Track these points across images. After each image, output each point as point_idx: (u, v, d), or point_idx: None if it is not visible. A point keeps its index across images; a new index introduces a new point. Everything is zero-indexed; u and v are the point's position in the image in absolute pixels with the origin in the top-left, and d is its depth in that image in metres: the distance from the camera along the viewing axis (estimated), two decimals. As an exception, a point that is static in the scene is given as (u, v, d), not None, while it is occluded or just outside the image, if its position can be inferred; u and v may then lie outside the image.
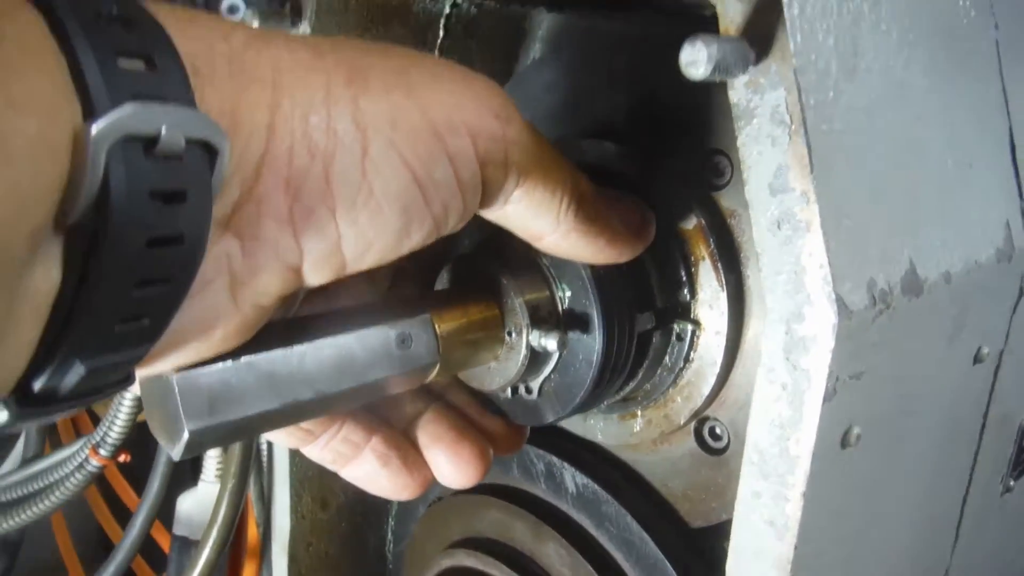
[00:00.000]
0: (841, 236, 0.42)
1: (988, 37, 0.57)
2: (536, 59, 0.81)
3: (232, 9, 0.68)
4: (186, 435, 0.46)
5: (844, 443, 0.46)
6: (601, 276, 0.60)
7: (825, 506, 0.46)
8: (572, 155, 0.70)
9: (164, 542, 1.39)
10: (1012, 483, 0.73)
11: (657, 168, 0.64)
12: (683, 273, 0.64)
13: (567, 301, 0.61)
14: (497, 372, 0.63)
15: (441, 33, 0.80)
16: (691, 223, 0.63)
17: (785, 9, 0.41)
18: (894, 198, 0.47)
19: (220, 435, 0.49)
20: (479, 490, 0.85)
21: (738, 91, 0.43)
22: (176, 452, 0.48)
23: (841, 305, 0.41)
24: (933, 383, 0.53)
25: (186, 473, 1.46)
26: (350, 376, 0.53)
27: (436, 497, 0.90)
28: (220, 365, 0.47)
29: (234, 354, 0.48)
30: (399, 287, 0.64)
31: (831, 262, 0.41)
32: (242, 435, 0.52)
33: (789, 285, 0.42)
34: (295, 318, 0.54)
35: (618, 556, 0.71)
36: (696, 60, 0.39)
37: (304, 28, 0.71)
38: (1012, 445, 0.71)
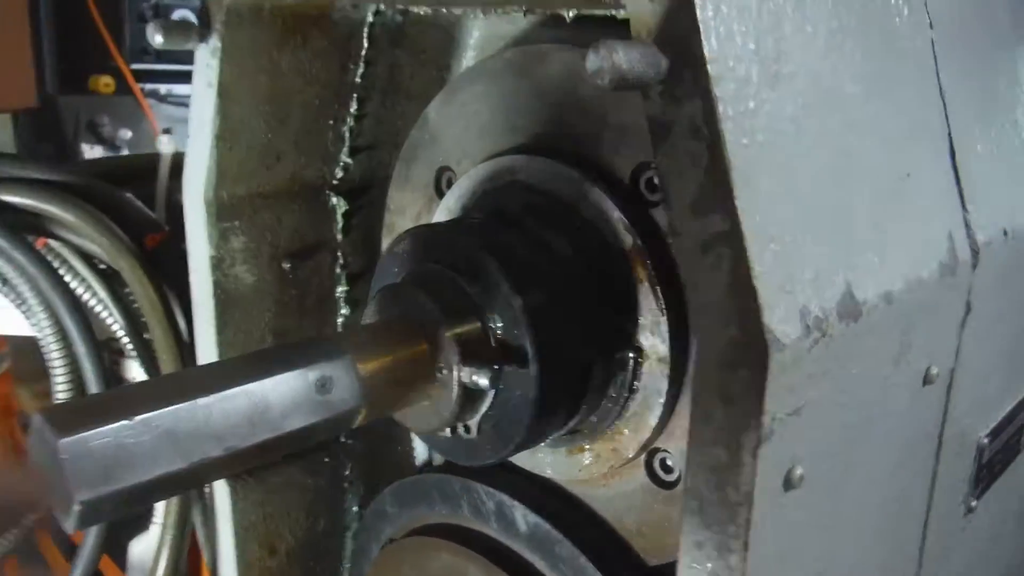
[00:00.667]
0: (769, 261, 0.39)
1: (923, 36, 0.55)
2: (467, 69, 0.78)
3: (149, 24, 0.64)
4: (77, 507, 0.42)
5: (787, 485, 0.42)
6: (534, 305, 0.56)
7: (772, 552, 0.42)
8: (504, 174, 0.67)
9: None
10: (974, 503, 0.70)
11: (589, 185, 0.61)
12: (622, 297, 0.60)
13: (499, 332, 0.57)
14: (431, 412, 0.59)
15: (365, 43, 0.76)
16: (627, 243, 0.60)
17: (698, 11, 0.38)
18: (826, 215, 0.44)
19: (119, 502, 0.44)
20: (430, 531, 0.80)
21: (653, 103, 0.40)
22: (69, 525, 0.43)
23: (773, 338, 0.38)
24: (881, 409, 0.50)
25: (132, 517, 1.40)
26: (264, 428, 0.48)
27: (389, 538, 0.86)
28: (114, 425, 0.43)
29: (129, 412, 0.43)
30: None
31: (759, 290, 0.38)
32: (146, 500, 0.48)
33: (718, 316, 0.39)
34: (199, 367, 0.49)
35: (570, 598, 0.67)
36: (601, 68, 0.36)
37: (214, 43, 0.67)
38: (971, 464, 0.68)
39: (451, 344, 0.55)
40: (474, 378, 0.55)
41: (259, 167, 0.72)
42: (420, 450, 0.93)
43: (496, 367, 0.56)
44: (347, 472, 0.90)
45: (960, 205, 0.56)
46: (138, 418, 0.42)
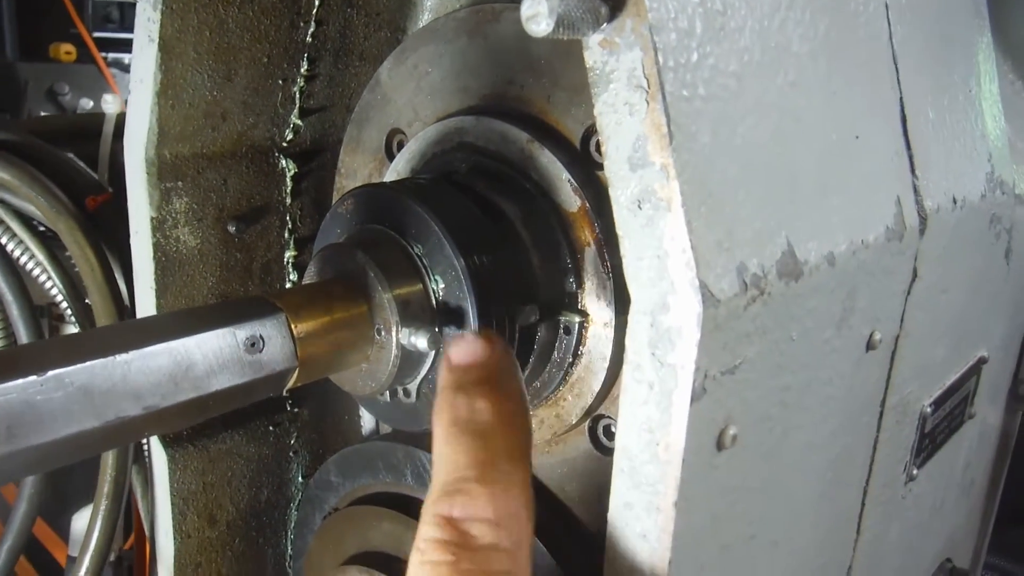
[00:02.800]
0: (706, 216, 0.38)
1: (877, 1, 0.54)
2: (420, 29, 0.76)
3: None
4: (-25, 465, 0.40)
5: (719, 445, 0.41)
6: (478, 266, 0.55)
7: (702, 513, 0.42)
8: (454, 136, 0.66)
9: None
10: (916, 471, 0.71)
11: (538, 147, 0.60)
12: (568, 261, 0.59)
13: (440, 294, 0.56)
14: (368, 375, 0.57)
15: (317, 1, 0.74)
16: (574, 206, 0.59)
17: (637, -40, 0.36)
18: (768, 173, 0.43)
19: (24, 463, 0.42)
20: (373, 500, 0.79)
21: (593, 52, 0.38)
22: (-30, 483, 0.41)
23: (707, 293, 0.37)
24: (821, 373, 0.50)
25: (80, 490, 1.37)
26: (188, 387, 0.47)
27: (332, 508, 0.84)
28: (21, 381, 0.41)
29: (39, 368, 0.41)
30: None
31: (694, 245, 0.37)
32: (55, 461, 0.46)
33: (652, 272, 0.38)
34: (121, 323, 0.47)
35: (514, 565, 0.67)
36: (537, 13, 0.35)
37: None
38: (914, 432, 0.68)
39: (390, 305, 0.54)
40: (412, 339, 0.54)
41: (204, 126, 0.69)
42: (367, 419, 0.92)
43: (436, 329, 0.55)
44: (292, 441, 0.89)
45: (910, 170, 0.56)
46: (49, 373, 0.40)
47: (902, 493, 0.71)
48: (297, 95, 0.75)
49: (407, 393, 0.60)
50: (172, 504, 0.81)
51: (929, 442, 0.73)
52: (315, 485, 0.86)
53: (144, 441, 0.84)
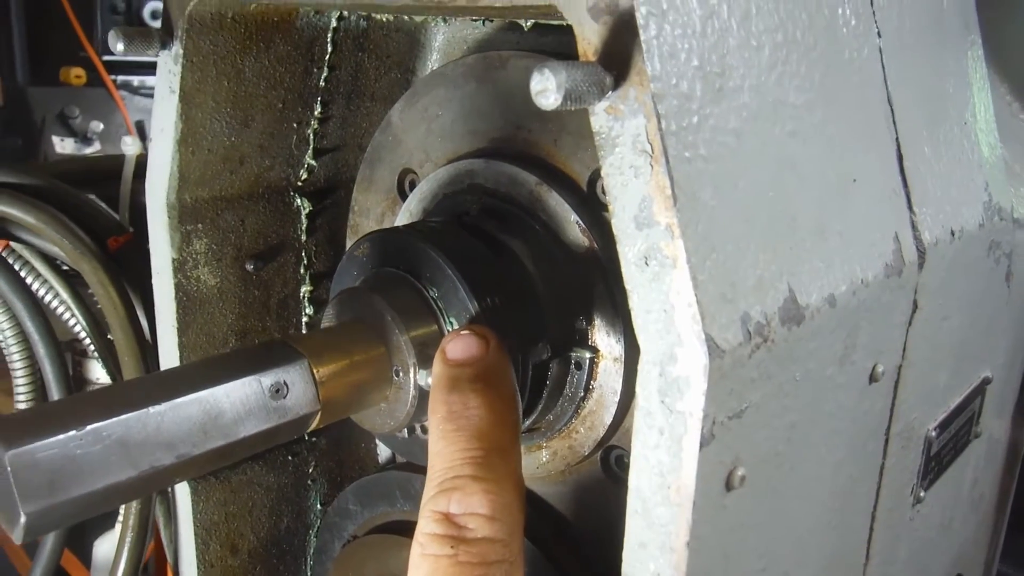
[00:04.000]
0: (710, 271, 0.40)
1: (871, 45, 0.56)
2: (429, 73, 0.78)
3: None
4: (23, 519, 0.42)
5: (728, 485, 0.43)
6: (489, 308, 0.57)
7: (714, 552, 0.44)
8: (464, 178, 0.68)
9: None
10: (923, 493, 0.72)
11: (546, 189, 0.62)
12: (577, 299, 0.61)
13: (455, 336, 0.58)
14: (387, 413, 0.59)
15: (329, 48, 0.76)
16: (582, 246, 0.61)
17: (641, 32, 0.38)
18: (769, 223, 0.45)
19: (67, 513, 0.44)
20: (392, 528, 0.81)
21: (599, 118, 0.40)
22: (16, 536, 0.43)
23: (712, 345, 0.39)
24: (826, 408, 0.51)
25: (100, 515, 1.39)
26: (217, 435, 0.49)
27: (351, 535, 0.86)
28: (62, 436, 0.43)
29: (78, 422, 0.43)
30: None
31: (699, 300, 0.39)
32: (96, 510, 0.48)
33: (659, 324, 0.40)
34: (153, 374, 0.50)
35: (530, 594, 0.68)
36: (546, 89, 0.37)
37: (176, 49, 0.67)
38: (920, 456, 0.70)
39: (407, 346, 0.56)
40: (429, 380, 0.56)
41: (222, 170, 0.72)
42: (383, 448, 0.94)
43: (452, 369, 0.57)
44: (310, 470, 0.91)
45: (907, 207, 0.57)
46: (88, 428, 0.42)
47: (910, 515, 0.73)
48: (311, 136, 0.77)
49: (424, 430, 0.61)
50: (195, 535, 0.83)
51: (935, 464, 0.74)
52: (334, 513, 0.88)
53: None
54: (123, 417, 0.45)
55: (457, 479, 0.47)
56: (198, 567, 0.85)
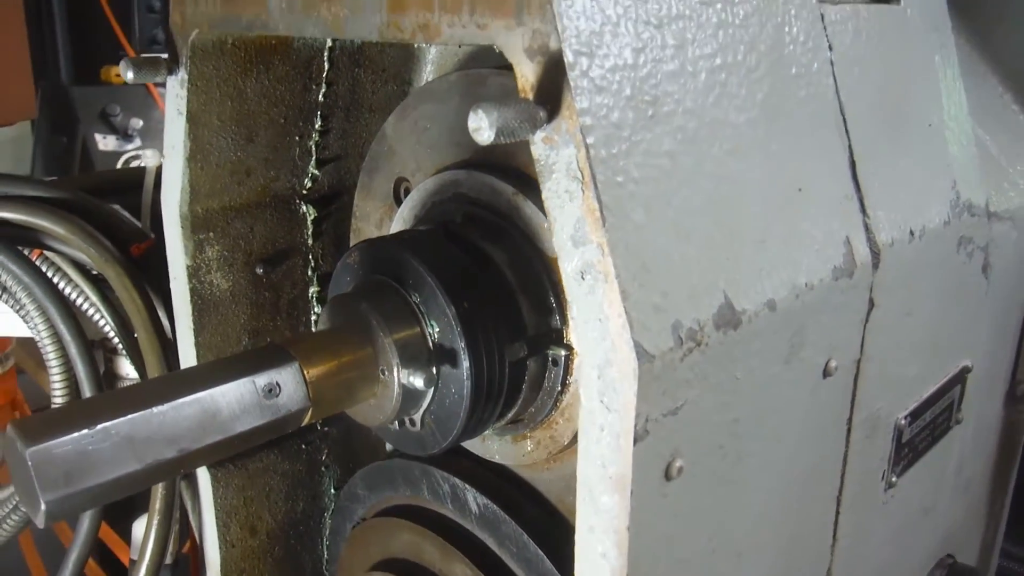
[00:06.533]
0: (641, 283, 0.44)
1: (821, 59, 0.59)
2: (418, 89, 0.83)
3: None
4: (43, 506, 0.48)
5: (667, 476, 0.48)
6: (467, 311, 0.62)
7: (657, 535, 0.48)
8: (450, 188, 0.72)
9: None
10: (895, 479, 0.76)
11: (522, 198, 0.66)
12: (552, 300, 0.65)
13: (436, 337, 0.63)
14: (376, 408, 0.65)
15: (327, 65, 0.81)
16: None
17: (569, 70, 0.42)
18: (705, 236, 0.49)
19: (82, 501, 0.50)
20: (395, 511, 0.87)
21: (537, 147, 0.45)
22: (39, 521, 0.50)
23: (641, 351, 0.43)
24: (774, 403, 0.55)
25: (141, 498, 1.48)
26: (214, 431, 0.55)
27: (360, 518, 0.92)
28: (75, 435, 0.49)
29: (90, 422, 0.49)
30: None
31: (628, 310, 0.43)
32: (107, 498, 0.54)
33: (596, 333, 0.44)
34: (157, 377, 0.55)
35: (519, 574, 0.74)
36: (480, 127, 0.41)
37: (181, 75, 0.73)
38: (889, 443, 0.73)
39: (391, 348, 0.61)
40: (411, 379, 0.61)
41: (230, 183, 0.78)
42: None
43: (432, 369, 0.62)
44: (323, 457, 0.97)
45: (860, 211, 0.60)
46: (98, 427, 0.48)
47: (883, 499, 0.76)
48: (313, 148, 0.83)
49: (412, 423, 0.67)
50: (216, 517, 0.90)
51: (909, 451, 0.77)
52: (344, 497, 0.94)
53: (191, 461, 0.92)
54: (129, 417, 0.50)
55: None
56: (220, 547, 0.91)
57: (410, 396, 0.63)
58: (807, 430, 0.61)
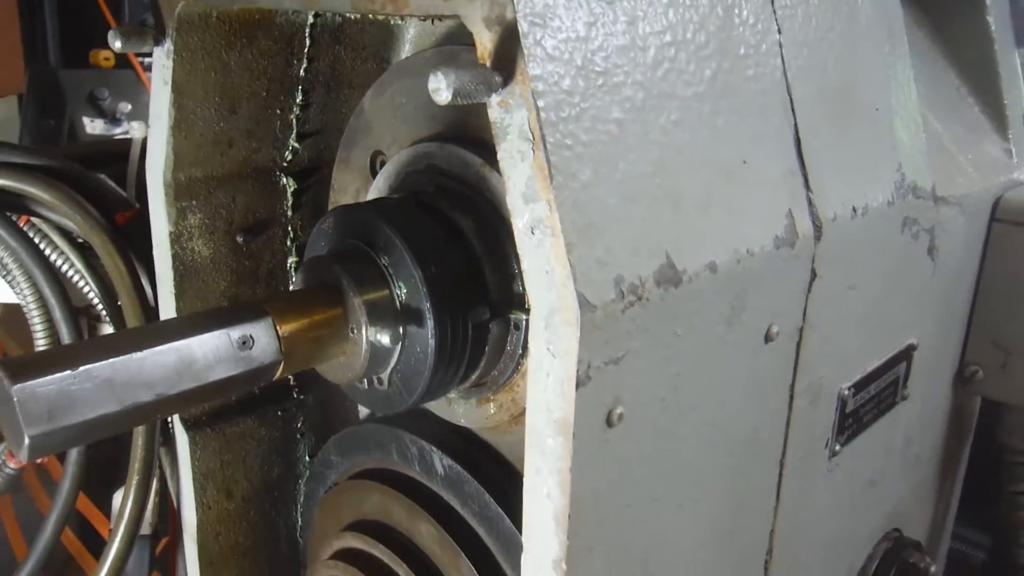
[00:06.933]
0: (586, 239, 0.48)
1: (770, 42, 0.63)
2: (395, 65, 0.86)
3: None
4: (27, 441, 0.51)
5: (609, 422, 0.51)
6: (434, 275, 0.65)
7: (598, 478, 0.52)
8: (423, 159, 0.76)
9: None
10: (839, 447, 0.80)
11: (489, 169, 0.70)
12: (515, 267, 0.69)
13: (403, 298, 0.66)
14: (346, 366, 0.68)
15: (308, 42, 0.84)
16: (520, 222, 0.68)
17: (523, 39, 0.46)
18: (650, 200, 0.52)
19: (64, 438, 0.54)
20: (366, 475, 0.90)
21: (494, 110, 0.48)
22: (22, 455, 0.53)
23: (584, 301, 0.47)
24: (715, 362, 0.59)
25: (121, 473, 1.51)
26: (190, 378, 0.58)
27: (333, 483, 0.96)
28: (59, 375, 0.52)
29: (73, 364, 0.53)
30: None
31: (573, 263, 0.47)
32: (88, 437, 0.57)
33: (543, 284, 0.48)
34: (137, 327, 0.59)
35: (481, 532, 0.77)
36: (439, 88, 0.45)
37: (167, 46, 0.76)
38: (833, 412, 0.77)
39: (361, 308, 0.65)
40: (378, 336, 0.64)
41: (213, 153, 0.81)
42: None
43: (399, 328, 0.65)
44: (299, 425, 1.00)
45: (804, 186, 0.64)
46: (81, 369, 0.51)
47: (827, 467, 0.80)
48: (294, 122, 0.86)
49: (380, 382, 0.70)
50: (194, 479, 0.93)
51: (853, 421, 0.82)
52: (319, 463, 0.97)
53: (170, 425, 0.96)
54: (110, 361, 0.54)
55: None
56: (196, 508, 0.95)
57: (378, 354, 0.67)
58: (750, 392, 0.64)
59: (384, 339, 0.64)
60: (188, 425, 0.91)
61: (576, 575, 0.52)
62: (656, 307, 0.52)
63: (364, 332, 0.65)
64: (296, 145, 0.87)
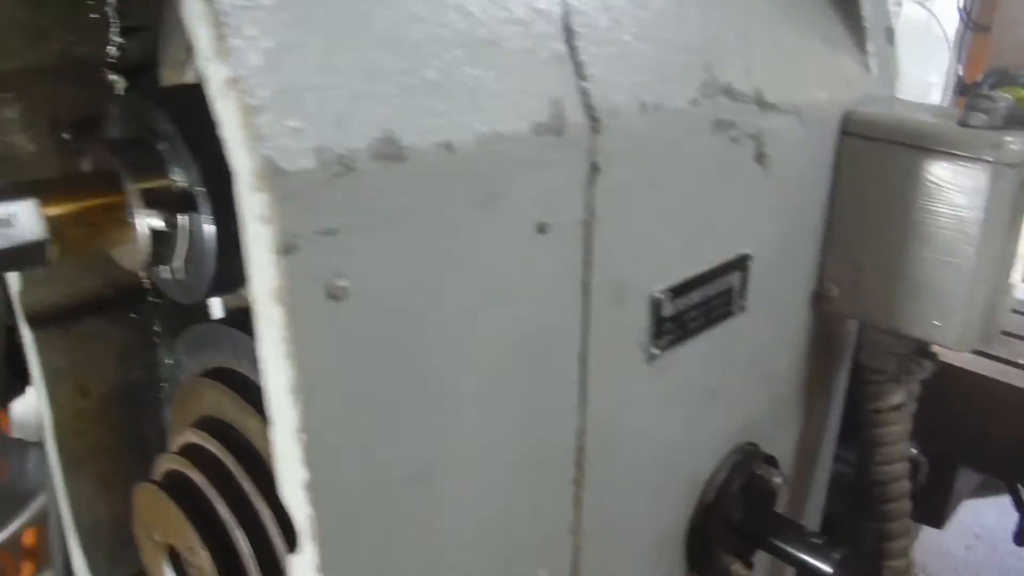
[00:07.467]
0: (279, 106, 0.47)
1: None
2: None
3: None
4: None
5: (332, 295, 0.51)
6: (211, 160, 0.65)
7: (327, 352, 0.52)
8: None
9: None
10: (657, 351, 0.80)
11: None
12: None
13: (181, 184, 0.66)
14: (135, 253, 0.68)
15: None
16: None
17: None
18: (367, 71, 0.52)
19: None
20: (210, 374, 0.91)
21: None
22: None
23: (276, 168, 0.47)
24: (469, 247, 0.59)
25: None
26: None
27: (181, 381, 0.97)
28: None
29: None
30: None
31: (261, 127, 0.46)
32: None
33: (241, 152, 0.48)
34: None
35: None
36: None
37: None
38: (645, 315, 0.77)
39: (135, 194, 0.65)
40: (155, 222, 0.64)
41: (21, 45, 0.79)
42: (219, 307, 1.04)
43: (176, 215, 0.65)
44: (156, 328, 1.01)
45: (575, 75, 0.63)
46: None
47: (647, 371, 0.80)
48: (111, 14, 0.84)
49: (175, 271, 0.71)
50: (43, 376, 0.94)
51: (676, 327, 0.82)
52: (173, 364, 0.98)
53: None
54: None
55: None
56: (50, 406, 0.96)
57: (161, 241, 0.67)
58: (530, 283, 0.64)
59: (157, 223, 0.64)
60: (33, 323, 0.92)
61: (317, 445, 0.53)
62: (375, 181, 0.51)
63: (140, 218, 0.65)
64: (121, 40, 0.86)
